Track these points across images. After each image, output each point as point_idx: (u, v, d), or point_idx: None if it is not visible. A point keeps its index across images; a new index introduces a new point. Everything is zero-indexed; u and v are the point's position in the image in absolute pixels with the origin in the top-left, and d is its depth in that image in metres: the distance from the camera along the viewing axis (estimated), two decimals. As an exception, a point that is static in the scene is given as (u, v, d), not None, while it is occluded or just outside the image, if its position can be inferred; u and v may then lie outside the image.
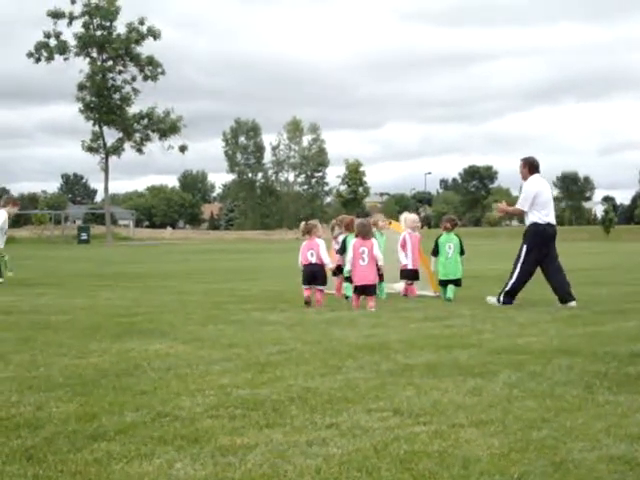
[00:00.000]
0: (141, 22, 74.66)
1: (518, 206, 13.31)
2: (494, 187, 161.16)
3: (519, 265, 12.94)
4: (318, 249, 12.79)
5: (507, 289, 12.95)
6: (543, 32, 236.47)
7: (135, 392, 6.05)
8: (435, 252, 14.08)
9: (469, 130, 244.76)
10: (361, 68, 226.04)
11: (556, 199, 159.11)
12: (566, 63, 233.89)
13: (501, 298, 12.96)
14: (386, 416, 5.30)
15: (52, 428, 5.03)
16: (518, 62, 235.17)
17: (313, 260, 12.78)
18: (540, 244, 12.94)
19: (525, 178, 13.14)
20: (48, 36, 73.84)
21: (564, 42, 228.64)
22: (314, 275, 12.77)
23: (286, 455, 4.47)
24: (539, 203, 12.92)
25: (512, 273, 13.00)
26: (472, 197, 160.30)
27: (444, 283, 13.96)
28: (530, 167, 13.15)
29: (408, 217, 15.31)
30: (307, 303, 12.61)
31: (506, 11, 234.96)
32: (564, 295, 12.75)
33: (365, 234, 12.64)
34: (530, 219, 13.01)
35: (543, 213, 12.95)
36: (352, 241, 12.85)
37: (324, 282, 12.94)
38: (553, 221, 13.16)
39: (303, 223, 13.34)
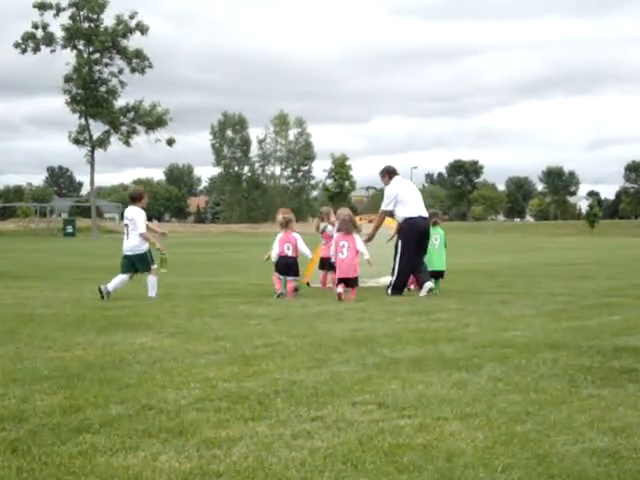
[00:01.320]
0: (131, 16, 74.45)
1: (382, 208, 14.21)
2: (479, 181, 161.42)
3: (398, 260, 13.63)
4: (296, 242, 13.28)
5: (393, 284, 13.70)
6: (531, 27, 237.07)
7: (120, 385, 6.03)
8: None
9: (457, 124, 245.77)
10: (349, 62, 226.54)
11: (541, 194, 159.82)
12: (554, 58, 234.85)
13: (389, 291, 13.70)
14: (371, 409, 5.31)
15: (37, 421, 5.01)
16: (506, 57, 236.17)
17: (289, 253, 13.25)
18: (416, 236, 13.66)
19: (387, 184, 14.20)
20: (36, 27, 73.51)
21: (552, 37, 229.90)
22: (288, 267, 13.26)
23: (271, 448, 4.47)
24: (402, 200, 13.84)
25: (393, 269, 13.72)
26: (458, 191, 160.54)
27: (430, 275, 13.99)
28: (389, 174, 14.26)
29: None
30: (279, 295, 12.98)
31: (494, 5, 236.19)
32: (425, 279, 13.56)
33: (346, 230, 13.06)
34: (401, 216, 13.81)
35: (411, 207, 13.77)
36: (335, 235, 13.35)
37: (296, 274, 13.44)
38: (425, 214, 13.94)
39: (281, 216, 13.49)
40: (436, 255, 14.07)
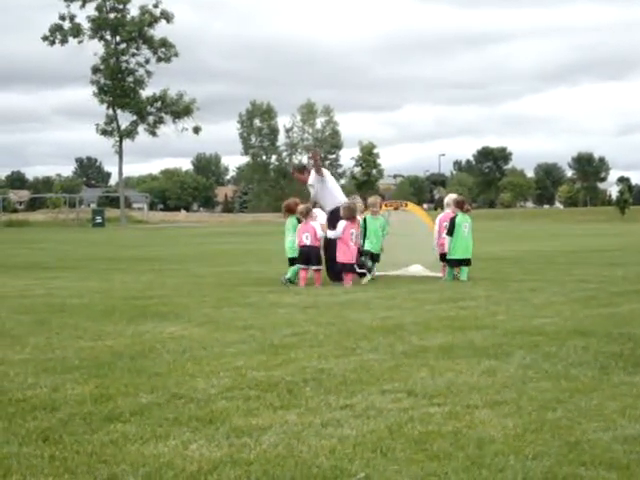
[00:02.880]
0: (155, 5, 74.65)
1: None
2: (508, 168, 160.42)
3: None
4: (314, 232, 13.37)
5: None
6: (561, 12, 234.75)
7: (150, 374, 6.07)
8: (451, 232, 13.99)
9: (486, 112, 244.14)
10: (379, 49, 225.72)
11: (571, 180, 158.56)
12: (584, 43, 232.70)
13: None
14: (400, 397, 5.30)
15: (68, 410, 5.06)
16: (536, 43, 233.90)
17: (308, 242, 13.31)
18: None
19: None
20: (63, 18, 73.90)
21: (582, 22, 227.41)
22: (308, 256, 13.32)
23: (301, 436, 4.48)
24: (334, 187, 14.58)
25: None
26: (486, 178, 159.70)
27: (459, 262, 13.93)
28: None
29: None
30: (295, 283, 13.20)
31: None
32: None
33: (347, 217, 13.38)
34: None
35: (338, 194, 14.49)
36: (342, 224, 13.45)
37: (319, 262, 13.50)
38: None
39: (302, 206, 13.54)
40: (465, 243, 13.97)
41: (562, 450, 4.20)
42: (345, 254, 13.26)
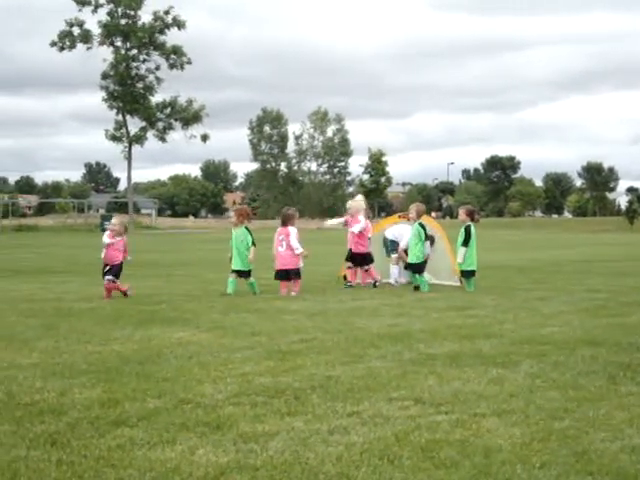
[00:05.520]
0: (166, 12, 74.76)
1: None
2: (517, 177, 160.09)
3: None
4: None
5: None
6: (576, 20, 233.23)
7: (157, 379, 6.08)
8: (466, 242, 13.79)
9: (500, 120, 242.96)
10: (392, 57, 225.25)
11: (580, 190, 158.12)
12: (599, 52, 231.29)
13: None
14: (407, 405, 5.30)
15: (75, 414, 5.07)
16: (550, 51, 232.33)
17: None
18: None
19: None
20: (71, 25, 74.07)
21: (598, 31, 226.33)
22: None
23: (308, 443, 4.48)
24: None
25: None
26: (495, 187, 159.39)
27: (472, 273, 13.79)
28: None
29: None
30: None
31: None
32: None
33: (283, 223, 13.59)
34: None
35: None
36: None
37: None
38: None
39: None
40: (474, 254, 13.80)
41: (569, 460, 4.18)
42: (285, 260, 13.23)
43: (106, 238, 12.78)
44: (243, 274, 13.13)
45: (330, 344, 7.71)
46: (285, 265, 13.22)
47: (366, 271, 14.61)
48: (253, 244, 13.15)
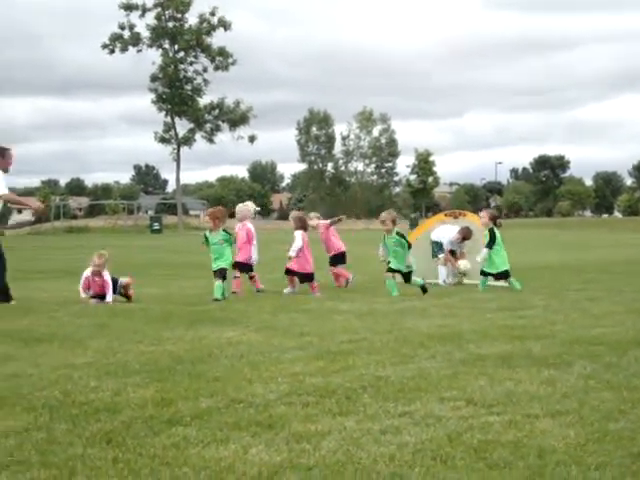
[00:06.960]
0: (212, 13, 75.28)
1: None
2: (566, 176, 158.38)
3: None
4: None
5: None
6: (628, 18, 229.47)
7: (209, 379, 6.13)
8: (491, 245, 13.88)
9: (549, 119, 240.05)
10: (440, 56, 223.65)
11: (630, 189, 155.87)
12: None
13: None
14: (459, 405, 5.28)
15: (130, 413, 5.13)
16: (602, 48, 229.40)
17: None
18: None
19: None
20: (122, 28, 74.95)
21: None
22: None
23: (360, 442, 4.49)
24: None
25: None
26: (544, 187, 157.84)
27: (504, 275, 13.83)
28: None
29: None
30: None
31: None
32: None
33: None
34: None
35: None
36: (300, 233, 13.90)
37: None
38: None
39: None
40: (504, 254, 13.95)
41: (625, 461, 4.14)
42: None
43: (83, 293, 12.21)
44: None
45: (379, 344, 7.71)
46: (303, 269, 13.49)
47: (251, 278, 14.24)
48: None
